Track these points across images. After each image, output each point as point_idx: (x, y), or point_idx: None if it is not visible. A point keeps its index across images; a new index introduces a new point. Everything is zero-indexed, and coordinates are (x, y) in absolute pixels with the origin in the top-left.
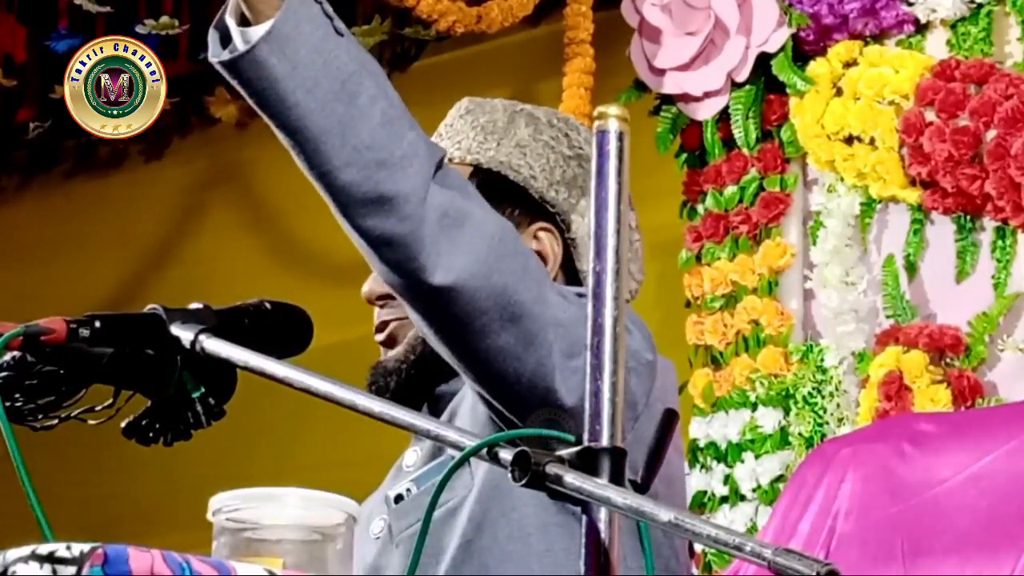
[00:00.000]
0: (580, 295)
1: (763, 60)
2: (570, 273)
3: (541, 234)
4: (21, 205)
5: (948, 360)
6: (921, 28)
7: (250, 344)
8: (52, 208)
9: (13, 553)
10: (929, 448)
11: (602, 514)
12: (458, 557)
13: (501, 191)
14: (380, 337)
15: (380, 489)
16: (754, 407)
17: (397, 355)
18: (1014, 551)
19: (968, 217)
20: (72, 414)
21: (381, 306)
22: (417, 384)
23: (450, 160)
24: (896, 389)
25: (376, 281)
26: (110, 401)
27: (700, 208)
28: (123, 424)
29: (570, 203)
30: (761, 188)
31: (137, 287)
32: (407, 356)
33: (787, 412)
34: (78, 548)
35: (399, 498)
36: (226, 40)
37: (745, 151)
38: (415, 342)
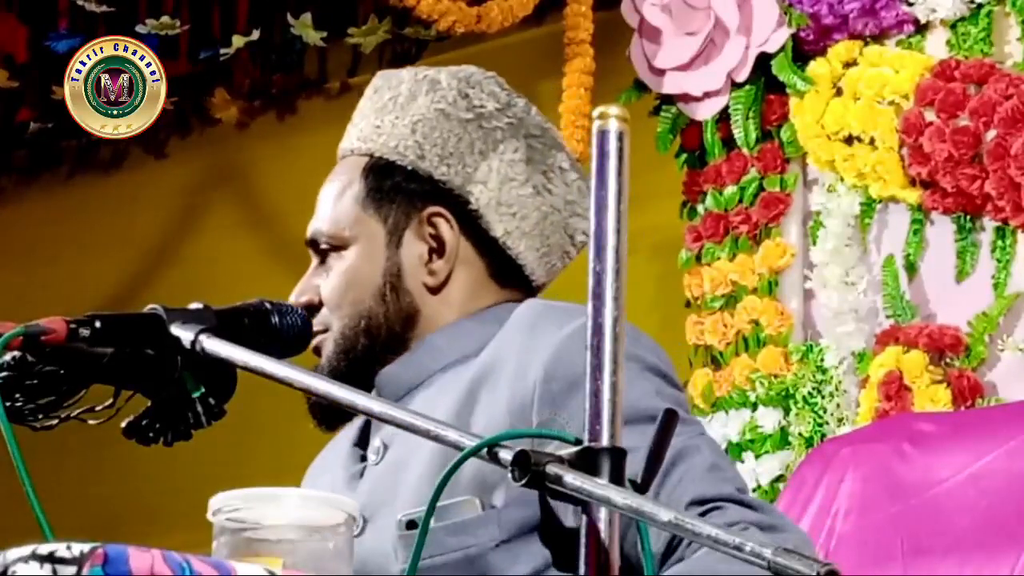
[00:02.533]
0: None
1: (763, 60)
2: (483, 245)
3: (435, 219)
4: (21, 205)
5: (948, 360)
6: (921, 28)
7: (250, 344)
8: (52, 208)
9: (13, 553)
10: (929, 448)
11: (602, 514)
12: None
13: (391, 180)
14: (314, 344)
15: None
16: (754, 407)
17: (329, 361)
18: (1013, 551)
19: (968, 217)
20: (72, 414)
21: (308, 312)
22: (353, 382)
23: (351, 151)
24: (896, 389)
25: (297, 292)
26: (110, 401)
27: (700, 208)
28: (123, 424)
29: (466, 173)
30: (761, 188)
31: (137, 287)
32: (337, 362)
33: (787, 412)
34: (78, 548)
35: (412, 524)
36: None
37: (745, 151)
38: (340, 347)
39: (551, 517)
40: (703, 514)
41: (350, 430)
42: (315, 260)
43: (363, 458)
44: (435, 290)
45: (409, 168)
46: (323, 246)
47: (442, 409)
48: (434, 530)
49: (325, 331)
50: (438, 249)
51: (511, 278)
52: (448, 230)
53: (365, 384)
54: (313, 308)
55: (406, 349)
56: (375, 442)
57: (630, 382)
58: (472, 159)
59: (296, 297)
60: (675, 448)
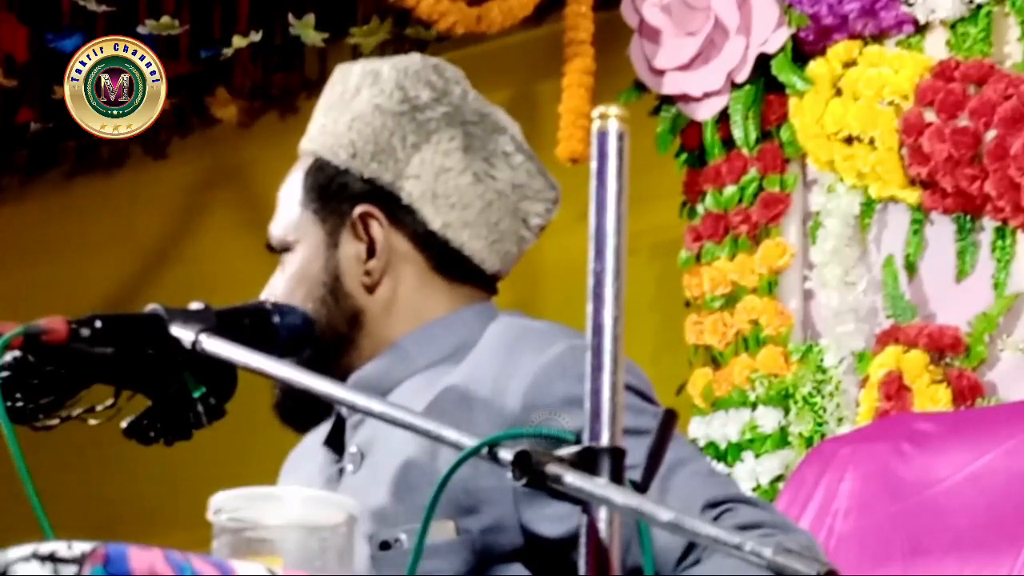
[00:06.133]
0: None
1: (763, 60)
2: (421, 239)
3: (366, 219)
4: (21, 205)
5: (948, 360)
6: (921, 28)
7: (250, 344)
8: (52, 208)
9: (14, 552)
10: (928, 447)
11: (602, 514)
12: None
13: (328, 180)
14: None
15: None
16: (754, 407)
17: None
18: (1013, 550)
19: (968, 217)
20: (72, 414)
21: None
22: (310, 402)
23: (302, 153)
24: (896, 389)
25: (267, 292)
26: (111, 401)
27: (700, 208)
28: (124, 424)
29: (398, 169)
30: (761, 188)
31: (137, 287)
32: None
33: (787, 412)
34: (79, 547)
35: (385, 545)
36: None
37: (745, 151)
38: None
39: (537, 540)
40: (718, 515)
41: (320, 429)
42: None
43: (339, 461)
44: (372, 288)
45: (343, 168)
46: (277, 248)
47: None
48: (406, 552)
49: None
50: (372, 248)
51: (458, 269)
52: (378, 228)
53: (304, 395)
54: None
55: (356, 349)
56: (351, 448)
57: None
58: (404, 153)
59: (265, 297)
60: (674, 456)
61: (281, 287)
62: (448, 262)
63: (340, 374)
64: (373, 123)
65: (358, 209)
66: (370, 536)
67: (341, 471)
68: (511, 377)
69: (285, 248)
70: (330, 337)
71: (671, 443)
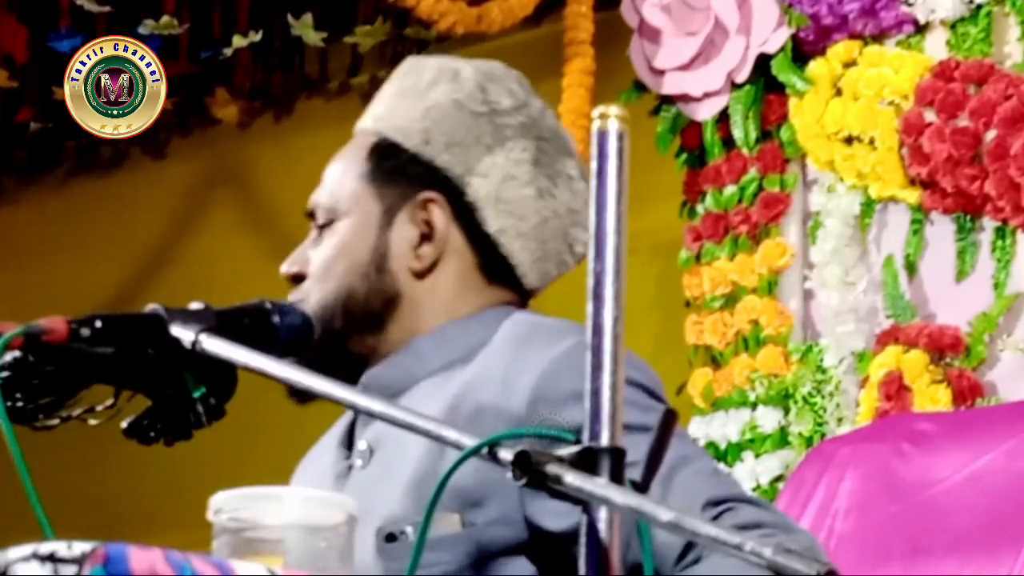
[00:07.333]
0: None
1: (763, 60)
2: (476, 238)
3: (429, 205)
4: (21, 205)
5: (948, 360)
6: (921, 28)
7: (250, 344)
8: (52, 208)
9: (14, 552)
10: (928, 448)
11: (602, 514)
12: None
13: (394, 163)
14: None
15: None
16: (754, 407)
17: None
18: (1013, 550)
19: (968, 217)
20: (73, 414)
21: (294, 283)
22: (328, 374)
23: (363, 130)
24: (896, 389)
25: (288, 262)
26: (111, 401)
27: (700, 208)
28: (124, 424)
29: (467, 164)
30: (761, 188)
31: (137, 287)
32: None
33: (787, 412)
34: (79, 547)
35: (391, 537)
36: None
37: (745, 151)
38: (316, 317)
39: (541, 533)
40: (719, 514)
41: (338, 426)
42: (313, 233)
43: (349, 457)
44: (420, 275)
45: (413, 151)
46: (319, 218)
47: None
48: (410, 544)
49: (302, 301)
50: (428, 234)
51: (501, 276)
52: (440, 216)
53: (333, 360)
54: (300, 279)
55: (381, 332)
56: (360, 444)
57: None
58: (477, 151)
59: (288, 267)
60: (677, 454)
61: (321, 256)
62: (493, 267)
63: (356, 353)
64: (451, 116)
65: (424, 194)
66: (378, 530)
67: (351, 467)
68: (520, 372)
69: (331, 219)
70: (360, 313)
71: (676, 441)
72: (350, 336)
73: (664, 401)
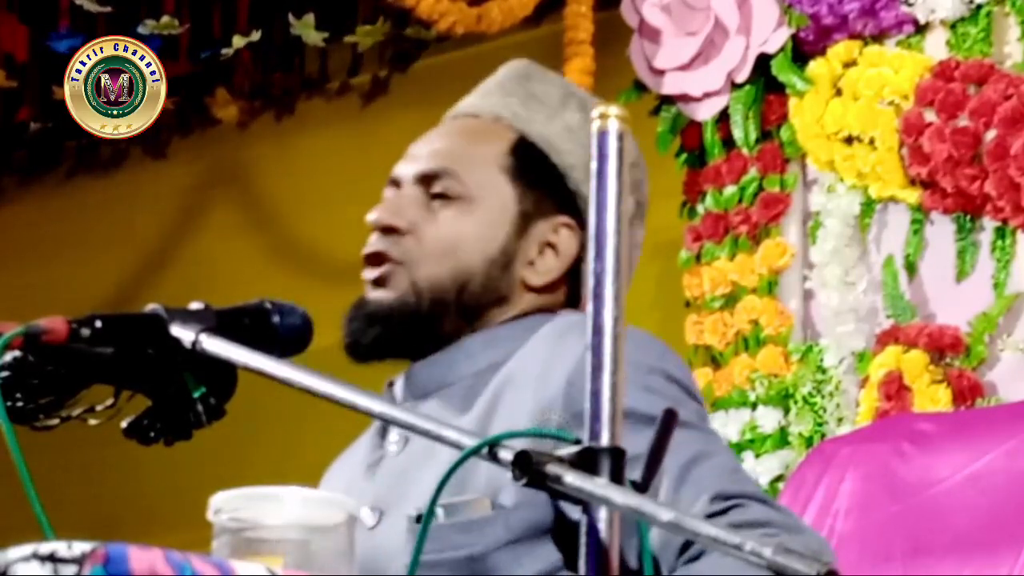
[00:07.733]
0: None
1: (763, 60)
2: (574, 275)
3: (562, 230)
4: (21, 205)
5: (948, 360)
6: (921, 28)
7: (250, 344)
8: (52, 208)
9: (14, 552)
10: (928, 448)
11: (602, 514)
12: None
13: (539, 171)
14: (371, 274)
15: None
16: (754, 407)
17: (388, 301)
18: (1013, 550)
19: (968, 217)
20: (73, 414)
21: (385, 234)
22: (400, 344)
23: (497, 119)
24: (896, 389)
25: (388, 211)
26: (111, 401)
27: (700, 208)
28: (124, 424)
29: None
30: (761, 188)
31: (137, 287)
32: (400, 307)
33: (787, 412)
34: (79, 547)
35: (421, 518)
36: None
37: (745, 151)
38: (416, 290)
39: (564, 518)
40: (726, 509)
41: (373, 426)
42: (411, 190)
43: (382, 447)
44: (532, 288)
45: (561, 170)
46: (437, 186)
47: (465, 413)
48: (443, 527)
49: (400, 264)
50: (554, 255)
51: (573, 306)
52: (570, 244)
53: (401, 336)
54: (392, 231)
55: (473, 323)
56: (393, 435)
57: (654, 390)
58: None
59: (389, 216)
60: (699, 449)
61: (448, 231)
62: (573, 299)
63: (445, 332)
64: (589, 149)
65: (562, 217)
66: (410, 514)
67: (383, 456)
68: (559, 359)
69: (457, 194)
70: (471, 303)
71: (700, 436)
72: (444, 318)
73: (699, 400)
